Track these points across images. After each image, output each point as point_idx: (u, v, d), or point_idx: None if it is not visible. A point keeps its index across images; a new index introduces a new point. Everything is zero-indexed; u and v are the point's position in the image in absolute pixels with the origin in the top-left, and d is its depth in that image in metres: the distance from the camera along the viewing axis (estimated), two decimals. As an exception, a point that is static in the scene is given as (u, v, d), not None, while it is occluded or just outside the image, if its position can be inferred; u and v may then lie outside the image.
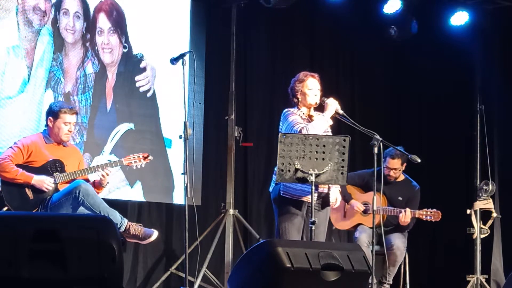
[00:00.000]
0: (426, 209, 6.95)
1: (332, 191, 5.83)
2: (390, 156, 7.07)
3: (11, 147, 5.92)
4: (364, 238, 6.89)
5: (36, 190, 5.80)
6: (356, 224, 7.11)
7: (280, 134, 5.52)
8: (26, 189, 5.78)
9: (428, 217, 6.92)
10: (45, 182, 5.79)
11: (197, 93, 7.62)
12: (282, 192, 5.70)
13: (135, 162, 6.15)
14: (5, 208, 5.85)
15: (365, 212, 7.07)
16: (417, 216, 6.94)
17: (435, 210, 6.93)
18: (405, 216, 6.88)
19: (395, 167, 7.07)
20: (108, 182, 6.02)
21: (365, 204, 7.09)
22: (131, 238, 5.86)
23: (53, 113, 5.96)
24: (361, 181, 7.13)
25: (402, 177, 7.12)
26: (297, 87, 5.87)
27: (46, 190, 5.79)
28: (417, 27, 8.29)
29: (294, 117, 5.77)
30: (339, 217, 7.11)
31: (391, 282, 7.02)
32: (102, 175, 5.93)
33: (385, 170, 7.14)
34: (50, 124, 5.97)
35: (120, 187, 7.38)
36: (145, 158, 6.17)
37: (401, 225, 6.98)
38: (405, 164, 6.78)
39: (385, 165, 7.12)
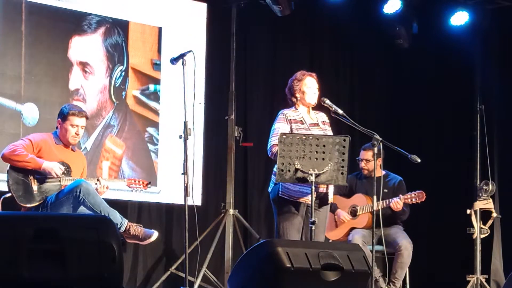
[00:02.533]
0: (409, 193, 6.90)
1: (330, 189, 5.83)
2: (362, 149, 7.12)
3: (22, 139, 5.94)
4: (358, 239, 6.83)
5: (41, 184, 5.80)
6: (348, 230, 7.06)
7: (280, 133, 5.52)
8: (32, 182, 5.79)
9: (413, 199, 6.86)
10: (55, 168, 5.79)
11: (197, 93, 7.61)
12: (280, 192, 5.69)
13: (136, 186, 6.16)
14: (8, 195, 5.85)
15: (354, 215, 7.03)
16: (403, 201, 6.87)
17: (419, 191, 6.87)
18: (397, 202, 6.83)
19: (366, 158, 7.05)
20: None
21: (353, 207, 7.05)
22: (131, 238, 5.85)
23: (62, 115, 5.97)
24: (345, 190, 7.07)
25: (382, 172, 7.01)
26: (295, 86, 5.87)
27: (55, 176, 5.78)
28: (417, 27, 8.30)
29: (280, 125, 5.76)
30: (331, 227, 7.06)
31: None
32: (97, 190, 5.91)
33: (359, 164, 7.15)
34: (59, 126, 5.98)
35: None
36: (145, 185, 6.19)
37: (396, 213, 6.92)
38: (380, 159, 6.66)
39: (359, 158, 7.13)
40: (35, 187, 5.80)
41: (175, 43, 7.67)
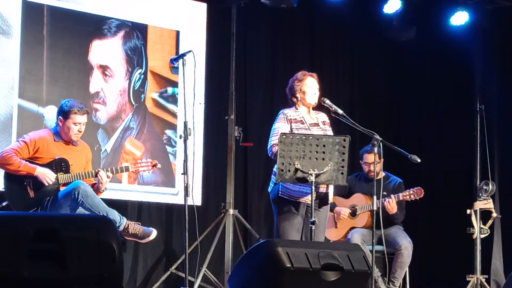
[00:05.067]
0: (408, 190, 6.89)
1: (330, 189, 5.83)
2: (366, 152, 7.04)
3: (18, 140, 5.90)
4: (357, 238, 6.82)
5: (37, 188, 5.78)
6: (348, 229, 7.05)
7: (280, 134, 5.52)
8: (28, 188, 5.76)
9: (412, 196, 6.84)
10: (47, 175, 5.76)
11: (197, 93, 7.62)
12: (280, 192, 5.70)
13: (143, 168, 6.15)
14: (5, 203, 5.84)
15: (353, 214, 7.02)
16: (401, 198, 6.82)
17: (417, 187, 6.85)
18: (390, 202, 6.81)
19: (373, 161, 6.98)
20: (105, 188, 5.99)
21: (352, 206, 7.04)
22: (130, 237, 5.85)
23: (63, 112, 5.93)
24: (344, 190, 7.05)
25: (382, 174, 7.02)
26: (296, 86, 5.87)
27: (47, 184, 5.77)
28: (416, 27, 8.31)
29: (280, 124, 5.77)
30: (332, 228, 7.05)
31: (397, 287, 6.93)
32: (100, 182, 5.91)
33: (364, 168, 7.11)
34: (60, 124, 5.95)
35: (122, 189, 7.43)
36: (153, 166, 6.17)
37: (391, 215, 6.90)
38: (382, 159, 6.70)
39: (363, 162, 7.10)
40: (31, 191, 5.78)
41: (193, 46, 7.69)
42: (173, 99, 7.72)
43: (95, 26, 7.32)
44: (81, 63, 7.21)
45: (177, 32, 7.81)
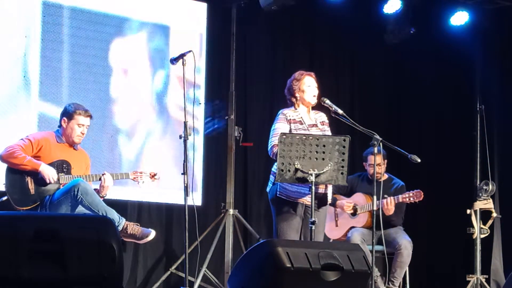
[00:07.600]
0: (407, 192, 6.88)
1: (329, 190, 5.82)
2: (371, 153, 7.00)
3: (22, 139, 5.91)
4: (356, 236, 6.82)
5: (38, 185, 5.79)
6: (348, 229, 7.05)
7: (280, 134, 5.52)
8: (29, 184, 5.78)
9: (411, 199, 6.83)
10: (50, 173, 5.78)
11: (197, 93, 7.63)
12: (278, 193, 5.70)
13: (141, 178, 6.14)
14: (5, 198, 5.85)
15: (354, 214, 7.01)
16: (400, 200, 6.82)
17: (416, 190, 6.85)
18: (389, 203, 6.79)
19: (378, 163, 6.97)
20: (106, 195, 5.98)
21: (353, 206, 7.04)
22: (128, 237, 5.85)
23: (67, 113, 5.96)
24: (345, 189, 7.05)
25: (385, 176, 7.03)
26: (294, 86, 5.86)
27: (48, 182, 5.78)
28: (416, 27, 8.31)
29: (280, 124, 5.77)
30: (332, 227, 7.05)
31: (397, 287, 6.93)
32: (102, 185, 5.91)
33: (369, 170, 7.10)
34: (64, 125, 5.97)
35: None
36: (152, 176, 6.16)
37: (387, 217, 6.88)
38: (386, 160, 6.68)
39: (368, 163, 7.09)
40: (32, 188, 5.78)
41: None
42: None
43: (116, 27, 7.25)
44: (101, 64, 7.17)
45: (200, 35, 7.80)
